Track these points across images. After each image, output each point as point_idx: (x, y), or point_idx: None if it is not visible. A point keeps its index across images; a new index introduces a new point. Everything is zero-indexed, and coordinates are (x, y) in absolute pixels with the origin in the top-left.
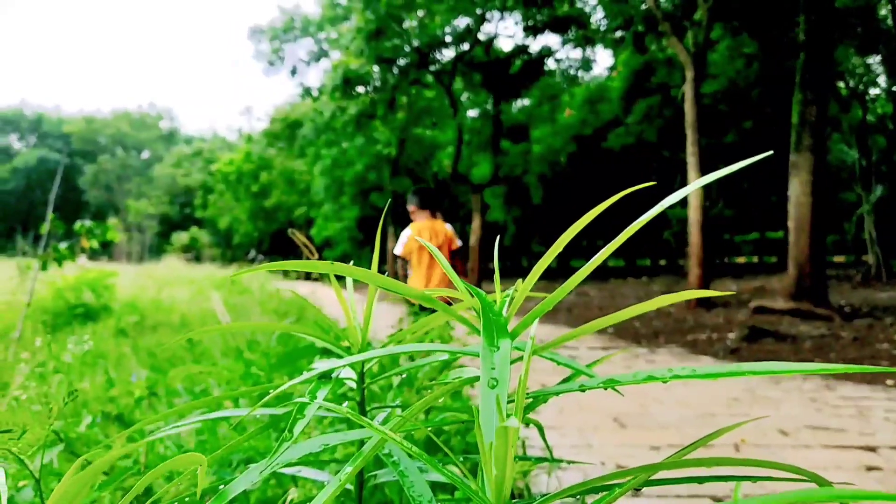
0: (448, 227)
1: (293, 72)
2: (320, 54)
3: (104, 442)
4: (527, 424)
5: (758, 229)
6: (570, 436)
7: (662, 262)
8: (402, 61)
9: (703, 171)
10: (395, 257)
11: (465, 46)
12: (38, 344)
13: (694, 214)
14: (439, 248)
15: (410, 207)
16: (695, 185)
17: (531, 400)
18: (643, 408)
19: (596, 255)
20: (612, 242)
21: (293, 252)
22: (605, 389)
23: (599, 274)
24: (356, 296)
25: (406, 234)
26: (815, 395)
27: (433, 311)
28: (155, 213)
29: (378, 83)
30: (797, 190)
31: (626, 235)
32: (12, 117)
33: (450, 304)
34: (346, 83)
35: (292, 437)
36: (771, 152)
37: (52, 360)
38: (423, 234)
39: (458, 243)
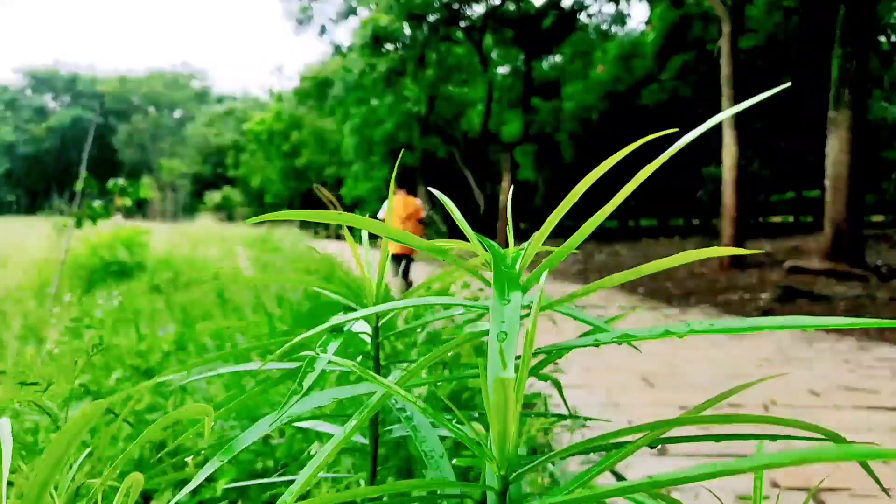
0: (417, 201)
1: (322, 30)
2: (349, 11)
3: (131, 392)
4: (546, 381)
5: (794, 188)
6: (597, 394)
7: (695, 222)
8: (431, 17)
9: (739, 128)
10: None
11: (496, 1)
12: (67, 299)
13: (728, 174)
14: (410, 215)
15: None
16: (714, 120)
17: (543, 356)
18: (672, 368)
19: (603, 208)
20: (614, 199)
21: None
22: (620, 344)
23: (631, 234)
24: (421, 269)
25: (386, 203)
26: (849, 357)
27: (400, 256)
28: (188, 172)
29: (407, 40)
30: (835, 147)
31: (633, 187)
32: (47, 77)
33: (410, 256)
34: (376, 40)
35: (302, 391)
36: (789, 84)
37: (86, 315)
38: (397, 204)
39: (422, 213)
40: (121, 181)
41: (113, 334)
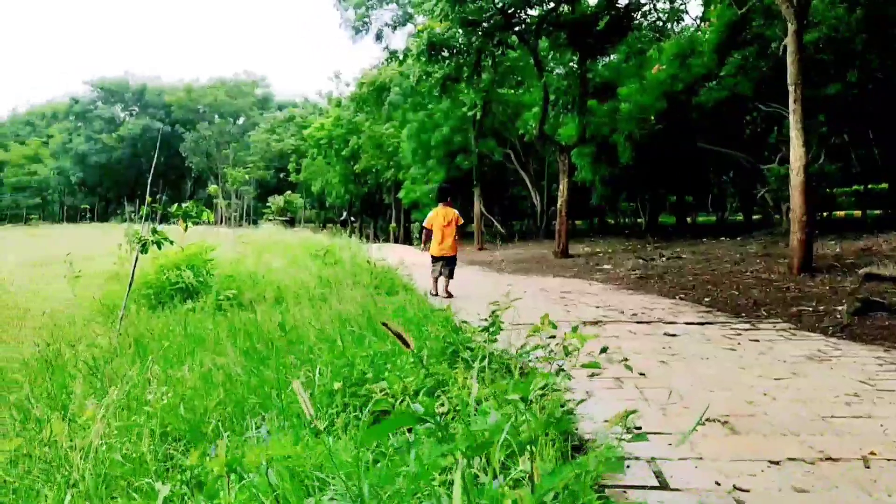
0: (455, 211)
1: (378, 37)
2: (406, 18)
3: None
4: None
5: (859, 182)
6: (677, 444)
7: (756, 217)
8: (486, 24)
9: (805, 128)
10: (423, 228)
11: (551, 4)
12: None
13: (796, 177)
14: (449, 223)
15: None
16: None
17: None
18: (753, 406)
19: None
20: None
21: (382, 214)
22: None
23: (692, 233)
24: (478, 273)
25: (430, 214)
26: None
27: (441, 258)
28: (251, 178)
29: (463, 46)
30: None
31: None
32: (117, 88)
33: (453, 257)
34: (431, 48)
35: None
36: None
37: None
38: (437, 214)
39: (460, 221)
40: (185, 204)
41: (178, 366)
